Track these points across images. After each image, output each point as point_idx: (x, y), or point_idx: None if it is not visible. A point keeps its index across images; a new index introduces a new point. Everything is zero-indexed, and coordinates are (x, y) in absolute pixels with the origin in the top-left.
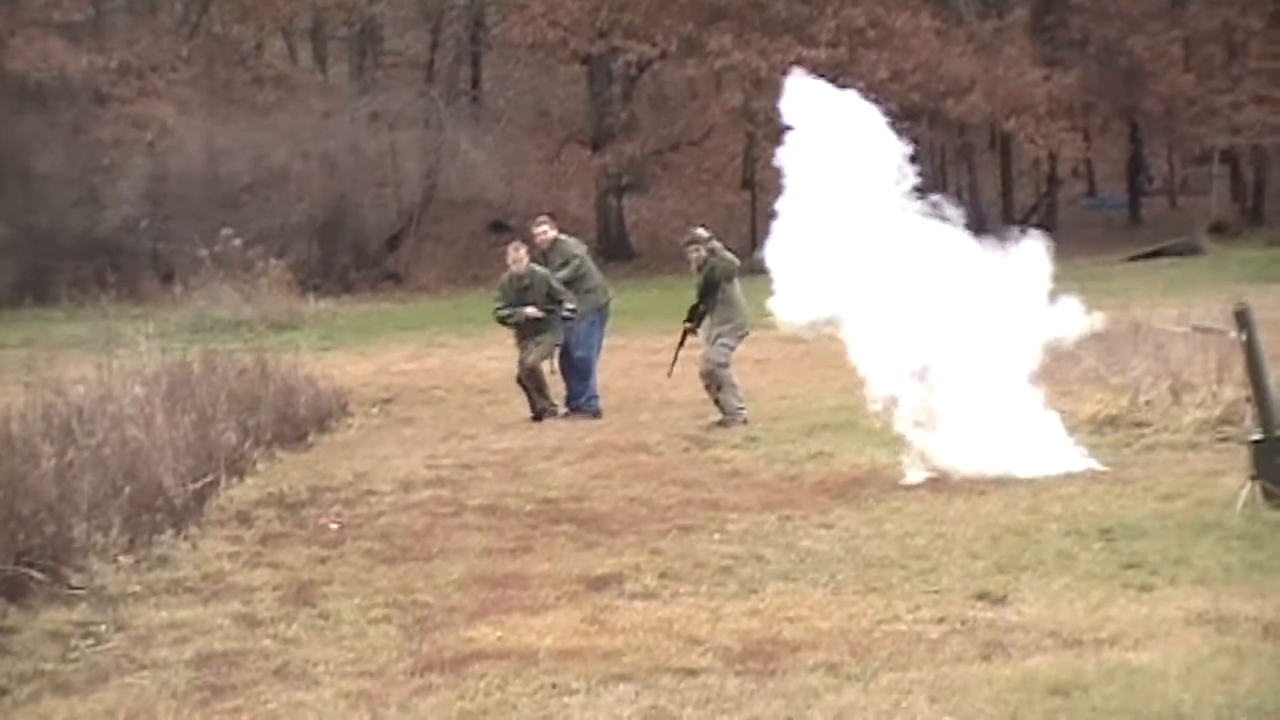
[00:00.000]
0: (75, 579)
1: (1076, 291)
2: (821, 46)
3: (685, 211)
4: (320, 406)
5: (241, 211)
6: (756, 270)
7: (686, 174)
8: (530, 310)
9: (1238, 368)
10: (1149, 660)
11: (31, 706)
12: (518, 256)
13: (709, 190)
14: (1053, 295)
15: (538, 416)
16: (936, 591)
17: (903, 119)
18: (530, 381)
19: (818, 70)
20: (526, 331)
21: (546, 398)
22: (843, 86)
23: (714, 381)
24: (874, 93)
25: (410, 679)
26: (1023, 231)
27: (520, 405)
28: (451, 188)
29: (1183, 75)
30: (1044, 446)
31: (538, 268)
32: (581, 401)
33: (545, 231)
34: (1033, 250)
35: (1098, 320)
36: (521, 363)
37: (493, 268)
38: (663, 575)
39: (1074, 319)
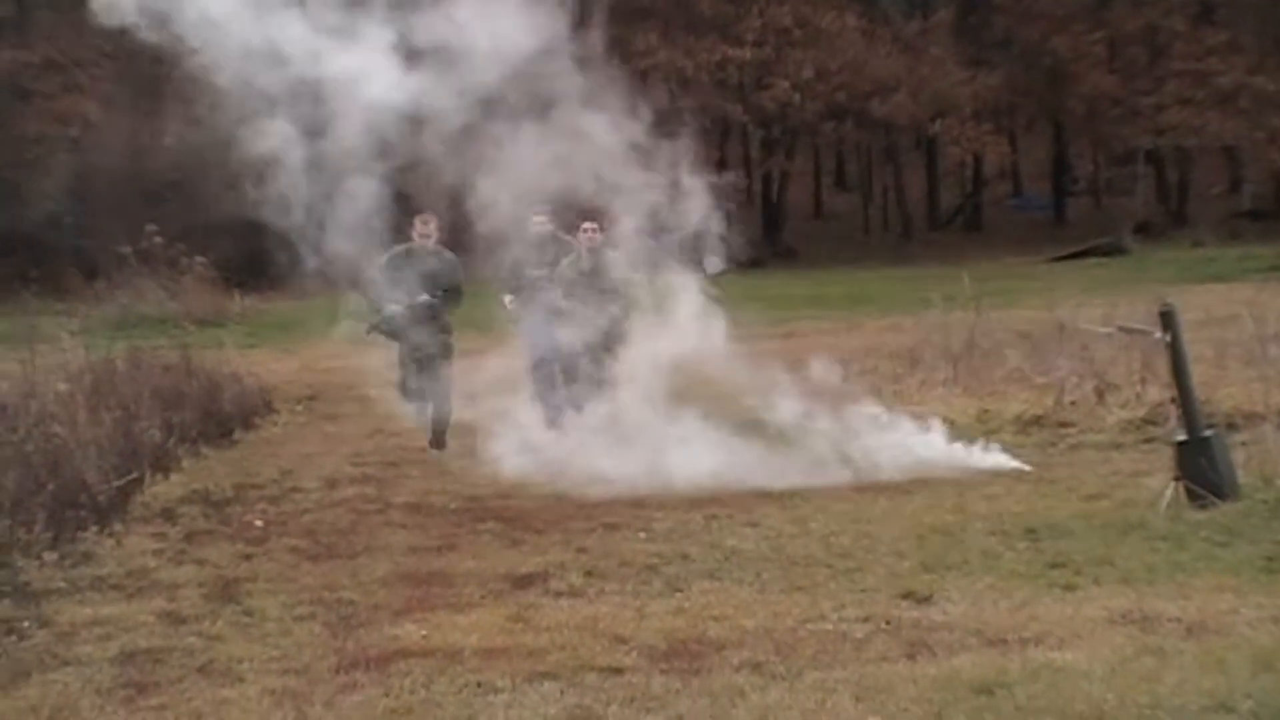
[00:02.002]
0: None
1: (1002, 291)
2: (747, 46)
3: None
4: (245, 404)
5: (166, 208)
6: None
7: None
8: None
9: (1162, 368)
10: (1073, 659)
11: None
12: (427, 231)
13: None
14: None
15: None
16: (862, 591)
17: (828, 119)
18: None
19: (743, 69)
20: (415, 335)
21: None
22: (768, 85)
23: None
24: (799, 92)
25: (335, 676)
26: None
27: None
28: None
29: (1106, 76)
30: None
31: (448, 251)
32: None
33: (544, 222)
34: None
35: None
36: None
37: None
38: (588, 573)
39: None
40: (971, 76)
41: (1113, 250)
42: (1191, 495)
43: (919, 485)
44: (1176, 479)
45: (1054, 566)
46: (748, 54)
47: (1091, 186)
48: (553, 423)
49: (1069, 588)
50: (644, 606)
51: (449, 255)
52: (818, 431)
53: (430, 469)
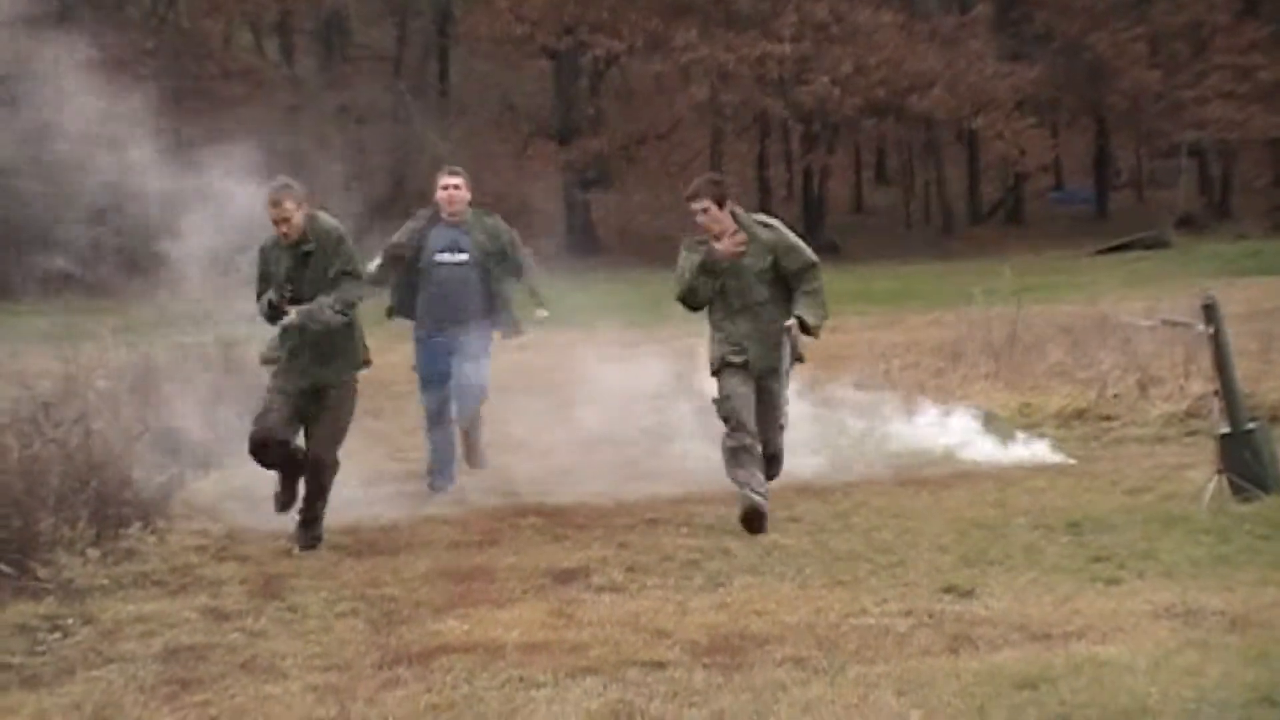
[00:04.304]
0: (42, 572)
1: (1044, 285)
2: (785, 41)
3: (652, 206)
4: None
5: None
6: None
7: (653, 168)
8: (303, 312)
9: (1205, 361)
10: (1116, 653)
11: None
12: (287, 209)
13: (676, 184)
14: None
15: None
16: (904, 585)
17: (868, 114)
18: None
19: (782, 64)
20: (303, 355)
21: (323, 499)
22: (807, 81)
23: None
24: (839, 87)
25: (377, 672)
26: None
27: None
28: (419, 181)
29: (1147, 72)
30: None
31: (330, 223)
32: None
33: (460, 188)
34: None
35: None
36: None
37: None
38: (629, 569)
39: None
40: (1010, 71)
41: (1155, 244)
42: (1235, 488)
43: (960, 479)
44: (1220, 472)
45: (1097, 560)
46: (786, 49)
47: (1133, 180)
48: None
49: (1112, 582)
50: (686, 601)
51: (333, 231)
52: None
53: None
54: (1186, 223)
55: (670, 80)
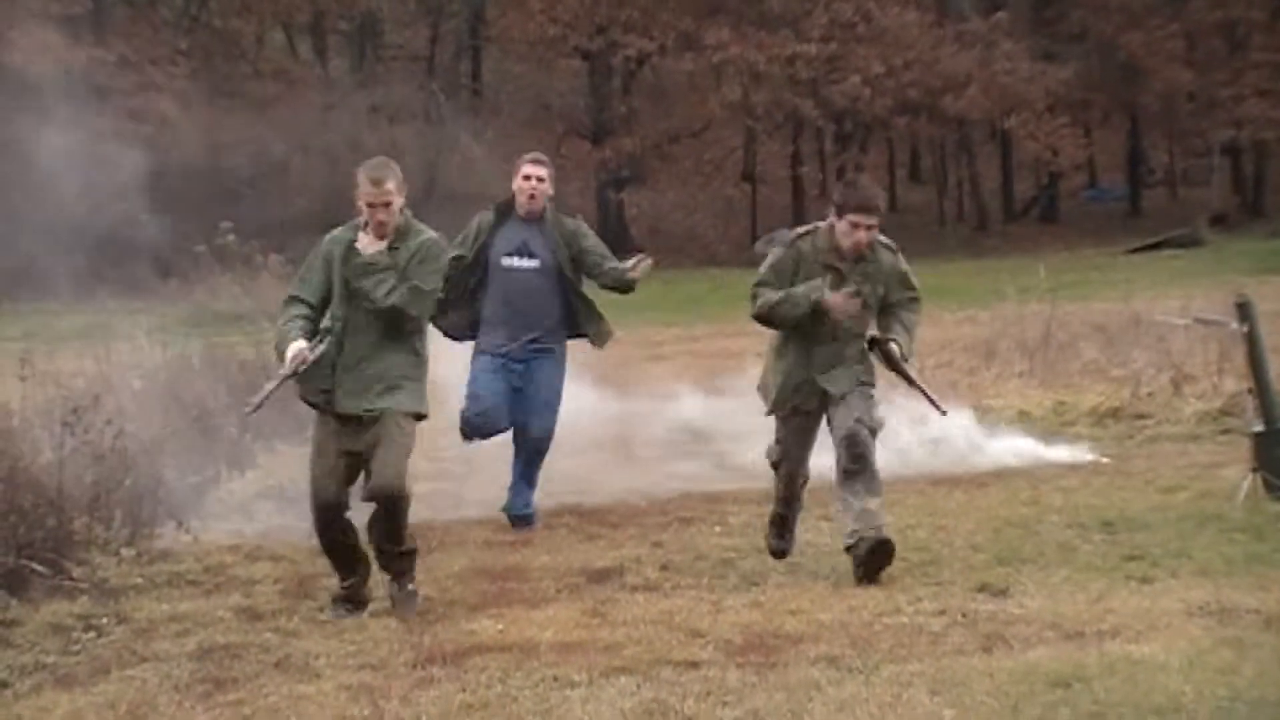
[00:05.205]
0: (77, 572)
1: (1078, 283)
2: (814, 41)
3: (685, 204)
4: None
5: (241, 205)
6: (757, 262)
7: (686, 167)
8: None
9: (1239, 359)
10: (1150, 652)
11: (33, 699)
12: (389, 190)
13: (709, 183)
14: None
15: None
16: (937, 584)
17: (900, 114)
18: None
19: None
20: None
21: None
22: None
23: None
24: (869, 87)
25: (411, 672)
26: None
27: None
28: (452, 181)
29: (1182, 71)
30: None
31: (430, 232)
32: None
33: (544, 181)
34: None
35: None
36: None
37: None
38: (664, 568)
39: None
40: (1043, 71)
41: (1189, 242)
42: (1269, 486)
43: (994, 478)
44: (1254, 470)
45: (1130, 559)
46: (814, 49)
47: (1167, 178)
48: None
49: (1146, 580)
50: (720, 601)
51: (429, 241)
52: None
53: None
54: (1220, 221)
55: (702, 80)
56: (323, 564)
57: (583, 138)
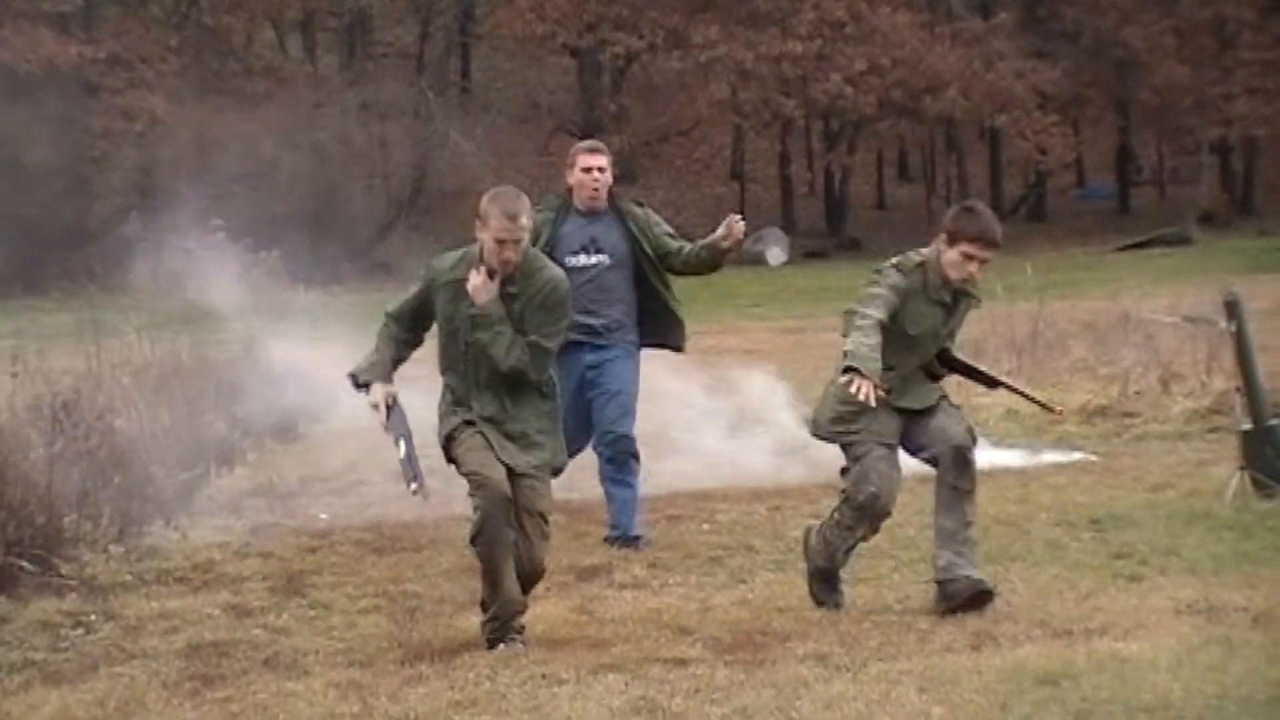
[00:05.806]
0: (65, 569)
1: (1066, 281)
2: (800, 39)
3: (674, 203)
4: (310, 397)
5: (231, 202)
6: (745, 260)
7: (676, 165)
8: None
9: (1227, 358)
10: (1138, 650)
11: (22, 696)
12: (523, 227)
13: (698, 181)
14: None
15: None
16: (926, 582)
17: (885, 113)
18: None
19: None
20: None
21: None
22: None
23: None
24: (851, 85)
25: (400, 669)
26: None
27: None
28: (441, 178)
29: (1177, 67)
30: None
31: (555, 271)
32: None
33: (604, 170)
34: None
35: None
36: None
37: None
38: (652, 565)
39: None
40: (1032, 69)
41: (1177, 240)
42: (1257, 485)
43: (982, 476)
44: (1242, 468)
45: (1119, 557)
46: (799, 47)
47: (1156, 176)
48: None
49: (1134, 578)
50: (708, 598)
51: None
52: None
53: None
54: (1209, 219)
55: (691, 78)
56: (311, 561)
57: (572, 135)
